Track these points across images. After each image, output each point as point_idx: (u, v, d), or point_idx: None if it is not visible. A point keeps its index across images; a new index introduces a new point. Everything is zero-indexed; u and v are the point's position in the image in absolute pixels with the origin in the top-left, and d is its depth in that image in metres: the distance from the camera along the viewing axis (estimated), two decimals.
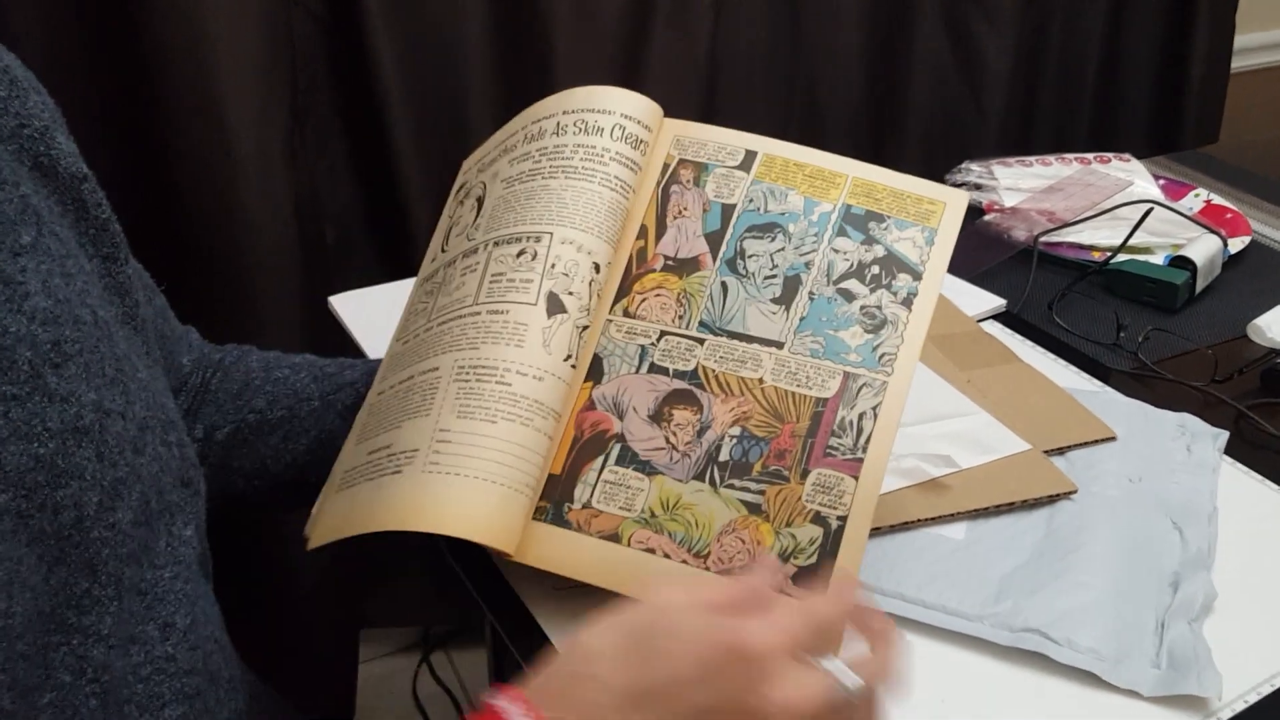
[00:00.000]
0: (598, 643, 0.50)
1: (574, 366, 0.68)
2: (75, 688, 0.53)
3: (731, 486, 0.65)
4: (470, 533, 0.63)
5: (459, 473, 0.64)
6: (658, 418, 0.68)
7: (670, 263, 0.72)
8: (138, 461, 0.56)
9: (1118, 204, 1.19)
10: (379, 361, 0.77)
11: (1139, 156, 1.35)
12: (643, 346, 0.69)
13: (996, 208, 1.23)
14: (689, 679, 0.48)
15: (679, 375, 0.69)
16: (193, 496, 0.63)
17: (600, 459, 0.67)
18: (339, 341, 1.01)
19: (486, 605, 0.71)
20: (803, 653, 0.50)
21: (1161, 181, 1.28)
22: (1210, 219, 1.19)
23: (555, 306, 0.68)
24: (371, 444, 0.70)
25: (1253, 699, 0.64)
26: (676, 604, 0.51)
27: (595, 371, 0.69)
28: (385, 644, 1.80)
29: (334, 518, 0.69)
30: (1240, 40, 1.92)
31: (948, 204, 0.72)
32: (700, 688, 0.48)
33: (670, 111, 0.77)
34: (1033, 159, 1.33)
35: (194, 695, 0.59)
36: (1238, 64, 1.96)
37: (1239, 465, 0.83)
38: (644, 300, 0.71)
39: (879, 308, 0.69)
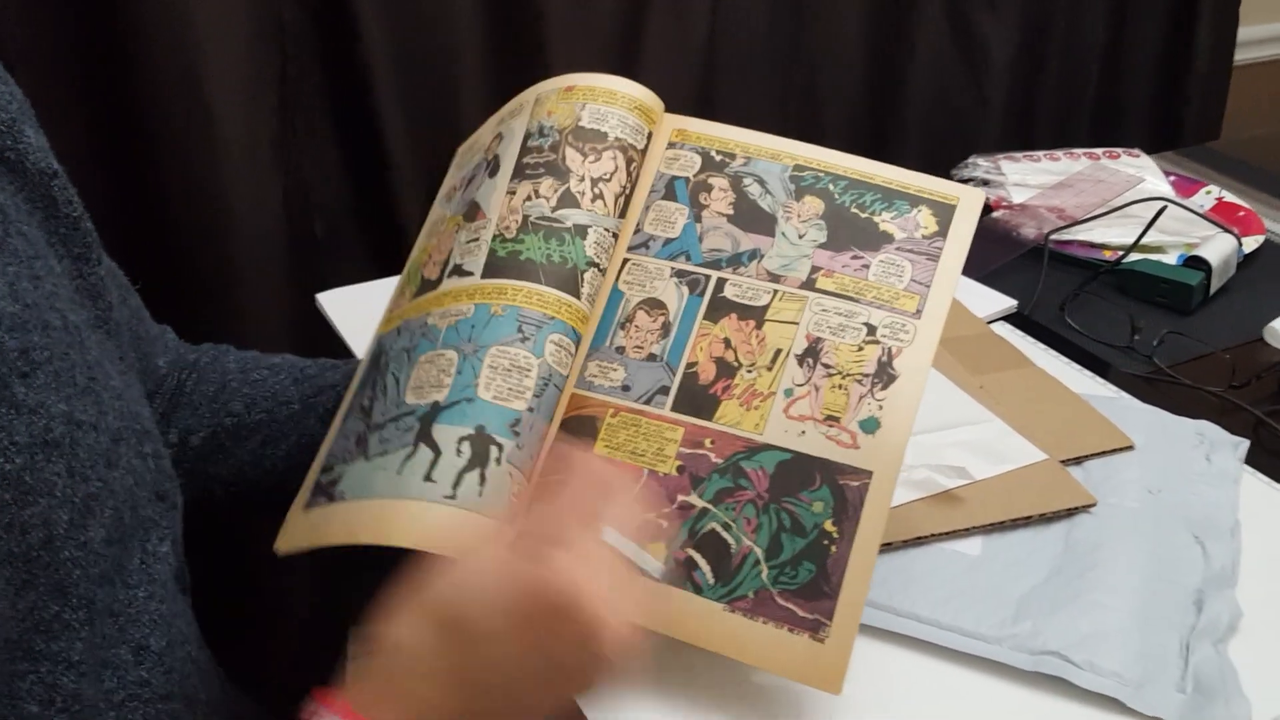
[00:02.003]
0: (409, 636, 0.48)
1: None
2: (44, 718, 0.50)
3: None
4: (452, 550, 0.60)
5: None
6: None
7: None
8: (110, 475, 0.53)
9: (1129, 201, 1.16)
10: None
11: (1142, 150, 1.32)
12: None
13: (1005, 204, 1.20)
14: (501, 632, 0.46)
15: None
16: (168, 510, 0.60)
17: None
18: (328, 339, 0.98)
19: None
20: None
21: (1172, 178, 1.25)
22: (1223, 217, 1.16)
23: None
24: None
25: None
26: (475, 566, 0.48)
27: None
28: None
29: (305, 525, 0.66)
30: (1243, 33, 1.90)
31: (960, 200, 0.69)
32: (513, 639, 0.46)
33: (667, 100, 0.74)
34: (1041, 154, 1.30)
35: None
36: (1241, 57, 1.93)
37: (1260, 475, 0.81)
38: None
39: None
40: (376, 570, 1.59)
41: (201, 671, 0.61)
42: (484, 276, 0.68)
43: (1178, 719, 0.61)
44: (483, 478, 0.61)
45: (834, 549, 0.60)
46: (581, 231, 0.68)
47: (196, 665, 0.60)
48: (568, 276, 0.67)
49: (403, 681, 0.47)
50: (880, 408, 0.63)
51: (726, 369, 0.65)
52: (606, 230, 0.69)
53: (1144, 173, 1.24)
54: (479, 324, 0.66)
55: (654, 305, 0.68)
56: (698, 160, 0.72)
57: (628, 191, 0.70)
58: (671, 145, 0.72)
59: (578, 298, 0.67)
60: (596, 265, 0.68)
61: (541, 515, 0.51)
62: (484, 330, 0.65)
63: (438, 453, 0.62)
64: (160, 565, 0.58)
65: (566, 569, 0.46)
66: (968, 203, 0.69)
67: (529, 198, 0.69)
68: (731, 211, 0.70)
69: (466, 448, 0.62)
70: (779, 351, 0.65)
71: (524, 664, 0.46)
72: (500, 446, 0.62)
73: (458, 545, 0.52)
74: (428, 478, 0.61)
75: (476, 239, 0.70)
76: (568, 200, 0.69)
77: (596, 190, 0.69)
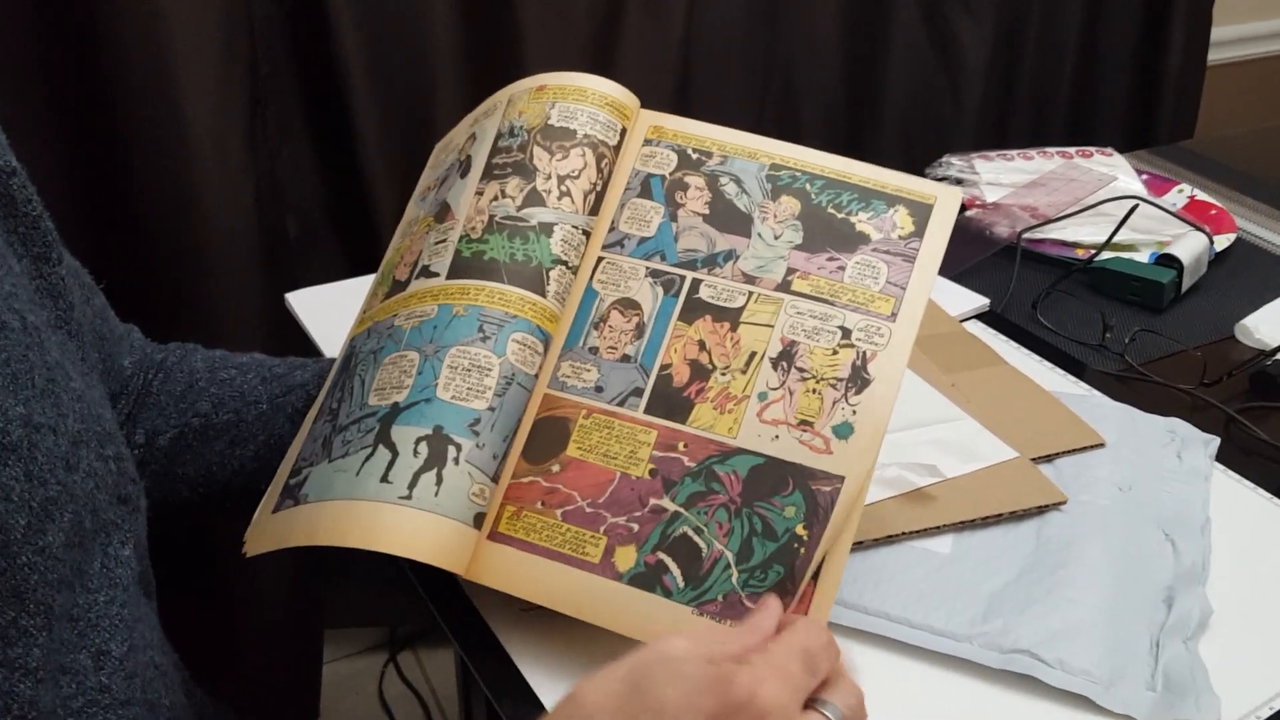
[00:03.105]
0: (595, 694, 0.48)
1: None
2: None
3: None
4: (415, 552, 0.60)
5: None
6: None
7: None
8: (70, 479, 0.52)
9: (1102, 200, 1.16)
10: (332, 361, 0.73)
11: (1116, 150, 1.32)
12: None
13: (978, 203, 1.20)
14: (674, 706, 0.46)
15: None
16: (131, 513, 0.59)
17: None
18: (300, 339, 0.97)
19: (449, 628, 0.68)
20: (802, 696, 0.49)
21: (1144, 177, 1.26)
22: (1195, 215, 1.16)
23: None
24: None
25: None
26: (678, 653, 0.49)
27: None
28: (350, 644, 1.76)
29: (271, 528, 0.66)
30: (1217, 33, 1.91)
31: (938, 200, 0.69)
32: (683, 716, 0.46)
33: (643, 99, 0.74)
34: (1014, 153, 1.30)
35: None
36: (1215, 57, 1.94)
37: (1230, 472, 0.81)
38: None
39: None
40: (346, 573, 1.58)
41: (164, 676, 0.60)
42: (449, 277, 0.67)
43: (1148, 716, 0.61)
44: (439, 478, 0.61)
45: (803, 551, 0.60)
46: (547, 229, 0.68)
47: (159, 670, 0.60)
48: (532, 275, 0.66)
49: None
50: (854, 413, 0.63)
51: (700, 371, 0.65)
52: (575, 228, 0.68)
53: (1116, 171, 1.25)
54: (441, 324, 0.65)
55: (628, 305, 0.68)
56: (674, 158, 0.71)
57: (599, 188, 0.70)
58: (648, 142, 0.72)
59: (544, 296, 0.66)
60: (565, 263, 0.67)
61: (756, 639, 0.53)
62: (445, 330, 0.65)
63: (395, 454, 0.61)
64: (122, 569, 0.57)
65: (755, 673, 0.48)
66: (945, 202, 0.69)
67: (495, 198, 0.69)
68: (707, 211, 0.70)
69: (424, 448, 0.61)
70: (753, 354, 0.65)
71: None
72: (458, 446, 0.62)
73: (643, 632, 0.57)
74: (384, 479, 0.61)
75: (444, 240, 0.69)
76: (533, 199, 0.68)
77: (564, 188, 0.69)
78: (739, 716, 0.46)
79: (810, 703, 0.50)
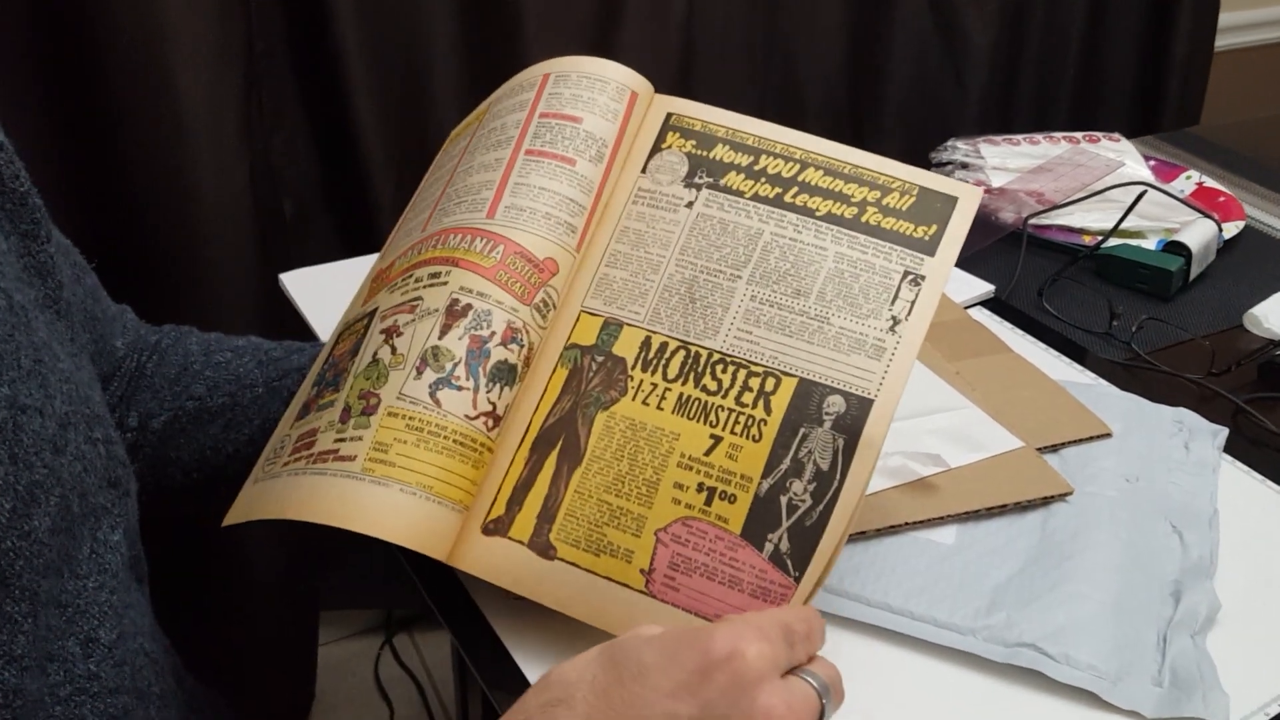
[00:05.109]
0: (571, 672, 0.48)
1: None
2: None
3: None
4: (385, 532, 0.58)
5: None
6: None
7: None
8: (57, 462, 0.51)
9: (1109, 185, 1.15)
10: None
11: (1121, 135, 1.31)
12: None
13: (984, 188, 1.19)
14: (668, 690, 0.46)
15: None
16: (121, 498, 0.58)
17: None
18: (295, 321, 0.96)
19: (443, 615, 0.66)
20: (782, 663, 0.49)
21: (1152, 162, 1.24)
22: (1203, 202, 1.15)
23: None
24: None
25: None
26: (653, 630, 0.49)
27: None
28: (346, 626, 1.76)
29: (248, 498, 0.64)
30: (1224, 19, 1.89)
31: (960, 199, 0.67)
32: (681, 699, 0.46)
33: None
34: (1020, 137, 1.28)
35: (120, 716, 0.54)
36: (1222, 43, 1.93)
37: (1239, 464, 0.80)
38: None
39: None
40: (342, 556, 1.57)
41: (155, 664, 0.59)
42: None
43: (1154, 713, 0.60)
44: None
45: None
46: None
47: (150, 658, 0.58)
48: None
49: (552, 712, 0.47)
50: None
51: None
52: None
53: (1124, 157, 1.23)
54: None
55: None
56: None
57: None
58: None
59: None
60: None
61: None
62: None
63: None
64: (112, 555, 0.56)
65: (735, 630, 0.47)
66: (965, 202, 0.67)
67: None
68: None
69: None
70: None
71: (671, 705, 0.46)
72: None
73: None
74: None
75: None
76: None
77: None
78: (720, 672, 0.46)
79: (790, 672, 0.50)
